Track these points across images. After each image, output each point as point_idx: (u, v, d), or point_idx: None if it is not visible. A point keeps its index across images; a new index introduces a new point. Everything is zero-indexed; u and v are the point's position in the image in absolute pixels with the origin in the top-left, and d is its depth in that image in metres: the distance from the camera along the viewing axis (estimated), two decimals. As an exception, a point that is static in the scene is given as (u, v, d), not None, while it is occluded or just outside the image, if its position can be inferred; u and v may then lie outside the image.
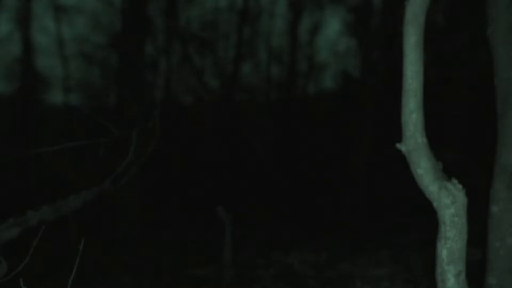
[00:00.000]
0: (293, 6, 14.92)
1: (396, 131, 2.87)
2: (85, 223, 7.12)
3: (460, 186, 2.69)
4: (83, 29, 14.96)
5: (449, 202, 2.65)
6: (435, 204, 2.69)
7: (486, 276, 3.77)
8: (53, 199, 3.51)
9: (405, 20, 2.74)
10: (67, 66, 13.45)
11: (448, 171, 2.76)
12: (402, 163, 2.81)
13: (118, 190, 4.04)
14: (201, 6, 14.68)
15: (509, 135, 3.71)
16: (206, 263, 6.94)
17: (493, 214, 3.74)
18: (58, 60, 13.29)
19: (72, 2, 15.19)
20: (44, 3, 13.57)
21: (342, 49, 15.91)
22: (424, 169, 2.70)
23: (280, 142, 14.45)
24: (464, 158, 10.46)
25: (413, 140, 2.72)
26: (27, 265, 3.11)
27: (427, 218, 3.22)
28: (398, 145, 2.77)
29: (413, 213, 8.18)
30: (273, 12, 14.84)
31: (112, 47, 12.92)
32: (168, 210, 11.39)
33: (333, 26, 20.51)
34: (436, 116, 9.90)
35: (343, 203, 11.81)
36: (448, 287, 2.67)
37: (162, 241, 8.99)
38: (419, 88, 2.73)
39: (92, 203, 3.76)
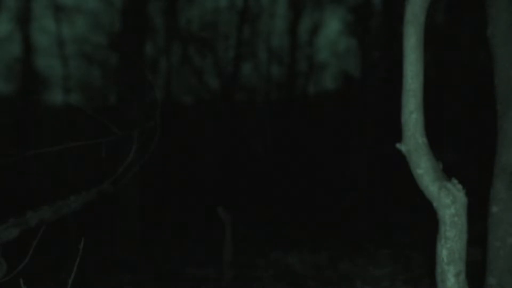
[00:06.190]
0: (293, 6, 14.93)
1: (396, 131, 2.87)
2: (85, 223, 7.13)
3: (460, 186, 2.69)
4: (83, 29, 14.97)
5: (449, 202, 2.65)
6: (435, 204, 2.69)
7: (486, 276, 3.77)
8: (53, 199, 3.51)
9: (405, 20, 2.74)
10: (67, 66, 13.46)
11: (448, 171, 2.76)
12: (402, 163, 2.81)
13: (118, 190, 4.04)
14: (201, 6, 14.69)
15: (509, 135, 3.71)
16: (206, 263, 6.93)
17: (493, 214, 3.74)
18: (58, 60, 13.30)
19: (72, 2, 15.21)
20: (44, 3, 13.59)
21: (342, 49, 15.94)
22: (424, 169, 2.69)
23: (280, 142, 14.44)
24: (464, 158, 10.46)
25: (413, 140, 2.72)
26: (27, 265, 3.11)
27: (427, 218, 3.22)
28: (398, 145, 2.77)
29: (413, 213, 8.18)
30: (273, 12, 14.85)
31: (112, 47, 12.92)
32: (168, 210, 11.39)
33: (333, 26, 20.52)
34: (436, 116, 9.90)
35: (343, 203, 11.81)
36: (448, 287, 2.67)
37: (162, 241, 8.99)
38: (419, 88, 2.73)
39: (92, 204, 3.76)
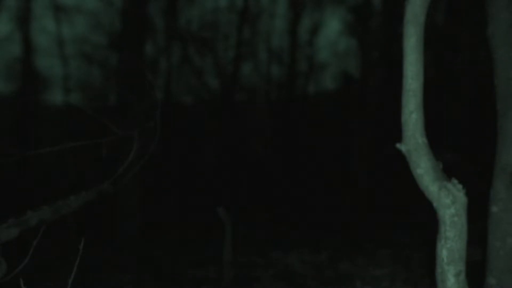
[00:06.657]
0: (293, 6, 14.93)
1: (396, 131, 2.86)
2: (85, 223, 7.13)
3: (460, 186, 2.69)
4: (83, 29, 14.97)
5: (449, 202, 2.65)
6: (435, 204, 2.69)
7: (486, 276, 3.77)
8: (53, 199, 3.50)
9: (405, 20, 2.74)
10: (67, 66, 13.46)
11: (448, 171, 2.76)
12: (402, 163, 2.81)
13: (118, 190, 4.03)
14: (201, 6, 14.70)
15: (509, 135, 3.71)
16: (206, 263, 6.93)
17: (493, 214, 3.74)
18: (58, 60, 13.30)
19: (72, 2, 15.21)
20: (44, 3, 13.59)
21: (342, 49, 15.95)
22: (424, 169, 2.69)
23: (280, 142, 14.45)
24: (464, 158, 10.46)
25: (413, 140, 2.72)
26: (27, 265, 3.11)
27: (427, 218, 3.22)
28: (398, 145, 2.76)
29: (413, 213, 8.18)
30: (273, 12, 14.86)
31: (112, 47, 12.92)
32: (168, 210, 11.39)
33: (333, 26, 20.53)
34: (436, 116, 9.90)
35: (343, 203, 11.81)
36: (448, 287, 2.67)
37: (162, 241, 8.98)
38: (419, 88, 2.73)
39: (92, 203, 3.75)
